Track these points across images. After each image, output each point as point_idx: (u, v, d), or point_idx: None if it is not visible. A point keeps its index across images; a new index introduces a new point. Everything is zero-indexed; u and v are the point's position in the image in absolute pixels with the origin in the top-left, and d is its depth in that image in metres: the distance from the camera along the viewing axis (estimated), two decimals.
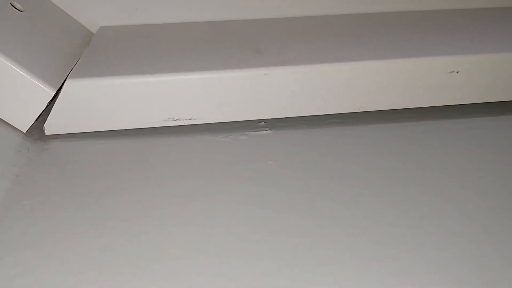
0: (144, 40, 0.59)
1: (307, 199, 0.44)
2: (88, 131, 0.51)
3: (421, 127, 0.54)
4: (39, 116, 0.50)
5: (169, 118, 0.52)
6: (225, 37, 0.59)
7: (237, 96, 0.51)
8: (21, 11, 0.54)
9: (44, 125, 0.50)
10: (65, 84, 0.49)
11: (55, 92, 0.49)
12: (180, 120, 0.52)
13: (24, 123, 0.50)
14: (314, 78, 0.51)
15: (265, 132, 0.53)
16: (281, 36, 0.59)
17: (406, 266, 0.37)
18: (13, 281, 0.36)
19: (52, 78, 0.50)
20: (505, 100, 0.56)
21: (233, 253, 0.38)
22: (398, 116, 0.55)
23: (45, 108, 0.50)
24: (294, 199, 0.44)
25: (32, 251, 0.38)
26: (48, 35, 0.55)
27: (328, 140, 0.52)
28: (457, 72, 0.53)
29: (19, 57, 0.48)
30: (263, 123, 0.54)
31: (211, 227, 0.41)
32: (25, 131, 0.50)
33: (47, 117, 0.50)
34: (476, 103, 0.56)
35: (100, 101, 0.50)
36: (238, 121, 0.53)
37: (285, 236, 0.40)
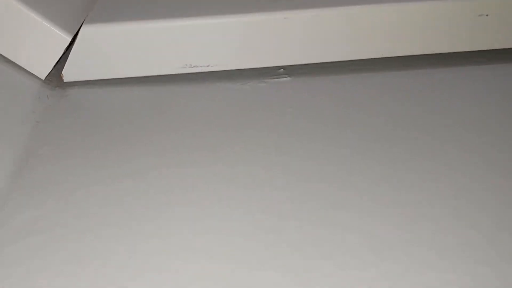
0: None
1: (326, 147, 0.43)
2: (106, 78, 0.51)
3: (447, 73, 0.52)
4: (57, 63, 0.50)
5: (186, 65, 0.51)
6: None
7: (256, 41, 0.50)
8: None
9: (62, 72, 0.50)
10: (81, 30, 0.48)
11: (71, 38, 0.48)
12: (197, 67, 0.51)
13: (43, 70, 0.50)
14: (336, 22, 0.49)
15: (284, 79, 0.52)
16: None
17: (423, 211, 0.36)
18: (35, 224, 0.36)
19: (68, 23, 0.49)
20: None
21: (250, 199, 0.38)
22: (423, 62, 0.53)
23: (63, 54, 0.49)
24: (312, 147, 0.43)
25: (53, 196, 0.39)
26: None
27: (349, 87, 0.50)
28: (487, 15, 0.50)
29: (35, 2, 0.47)
30: (282, 70, 0.53)
31: (229, 174, 0.41)
32: (43, 78, 0.50)
33: (65, 64, 0.50)
34: (505, 48, 0.53)
35: (116, 47, 0.49)
36: (257, 68, 0.52)
37: (305, 182, 0.39)
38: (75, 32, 0.49)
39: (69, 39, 0.48)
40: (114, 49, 0.49)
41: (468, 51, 0.53)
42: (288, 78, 0.52)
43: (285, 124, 0.46)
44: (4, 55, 0.48)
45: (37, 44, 0.48)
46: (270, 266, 0.33)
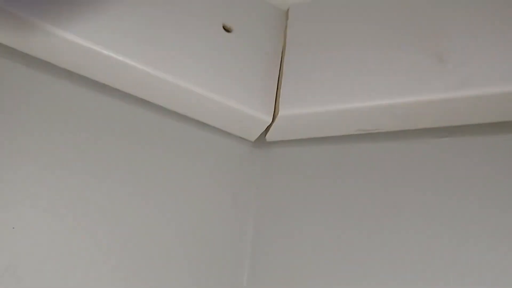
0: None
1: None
2: (298, 138, 0.67)
3: None
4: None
5: (358, 129, 0.63)
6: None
7: (420, 117, 0.58)
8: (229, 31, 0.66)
9: (266, 136, 0.67)
10: (277, 117, 0.62)
11: (271, 119, 0.63)
12: (367, 130, 0.62)
13: (252, 137, 0.68)
14: None
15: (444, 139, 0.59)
16: None
17: None
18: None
19: (266, 106, 0.63)
20: None
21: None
22: None
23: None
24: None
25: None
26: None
27: None
28: None
29: (240, 97, 0.62)
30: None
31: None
32: (253, 141, 0.68)
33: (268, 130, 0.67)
34: None
35: (305, 123, 0.63)
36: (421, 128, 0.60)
37: None
38: (272, 113, 0.64)
39: (269, 121, 0.63)
40: (303, 125, 0.63)
41: None
42: (447, 139, 0.59)
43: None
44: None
45: (247, 125, 0.65)
46: None
